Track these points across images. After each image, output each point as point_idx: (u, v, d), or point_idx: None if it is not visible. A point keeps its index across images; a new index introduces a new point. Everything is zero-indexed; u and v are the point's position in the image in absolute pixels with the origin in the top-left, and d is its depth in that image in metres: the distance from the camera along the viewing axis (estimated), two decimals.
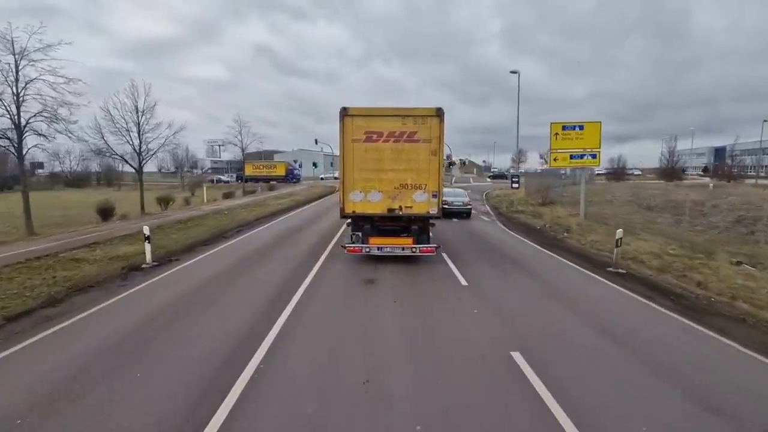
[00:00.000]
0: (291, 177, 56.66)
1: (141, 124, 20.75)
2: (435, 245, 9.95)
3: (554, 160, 16.36)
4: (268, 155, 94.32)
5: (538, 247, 12.62)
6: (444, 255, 10.82)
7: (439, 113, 9.19)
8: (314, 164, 49.96)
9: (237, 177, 62.93)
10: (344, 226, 16.52)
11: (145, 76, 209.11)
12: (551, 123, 16.13)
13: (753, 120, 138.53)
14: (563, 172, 71.06)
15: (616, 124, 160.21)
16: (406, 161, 9.29)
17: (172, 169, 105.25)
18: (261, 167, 58.90)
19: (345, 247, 9.92)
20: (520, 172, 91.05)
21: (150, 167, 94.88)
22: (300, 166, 53.54)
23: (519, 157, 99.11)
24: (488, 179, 65.46)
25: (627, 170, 66.63)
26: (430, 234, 10.45)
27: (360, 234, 10.07)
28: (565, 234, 14.69)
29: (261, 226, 17.61)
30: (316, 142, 57.86)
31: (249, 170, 59.65)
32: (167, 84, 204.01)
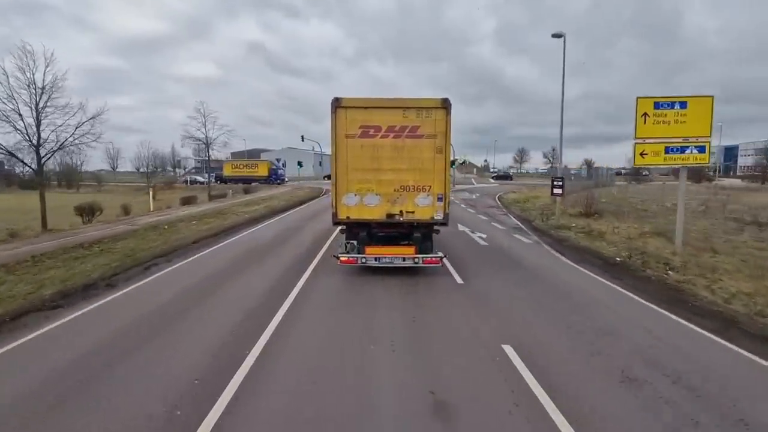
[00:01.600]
0: (275, 178, 50.73)
1: (39, 105, 14.76)
2: (440, 255, 8.62)
3: (641, 155, 10.69)
4: (255, 154, 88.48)
5: (667, 312, 6.94)
6: (511, 353, 5.14)
7: (445, 104, 8.00)
8: (299, 163, 44.22)
9: (216, 178, 56.93)
10: (321, 253, 10.86)
11: (136, 73, 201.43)
12: (637, 98, 10.50)
13: (740, 120, 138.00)
14: (575, 171, 65.77)
15: (606, 125, 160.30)
16: (408, 160, 8.14)
17: (151, 169, 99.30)
18: (241, 167, 52.96)
19: (338, 258, 8.56)
20: (526, 171, 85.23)
21: (126, 166, 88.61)
22: (284, 165, 47.76)
23: (534, 156, 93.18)
24: (492, 180, 60.03)
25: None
26: (433, 243, 9.16)
27: (355, 242, 8.76)
28: (670, 272, 9.11)
29: (197, 253, 11.84)
30: (303, 139, 52.06)
31: (228, 170, 53.82)
32: (159, 82, 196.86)
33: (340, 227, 9.37)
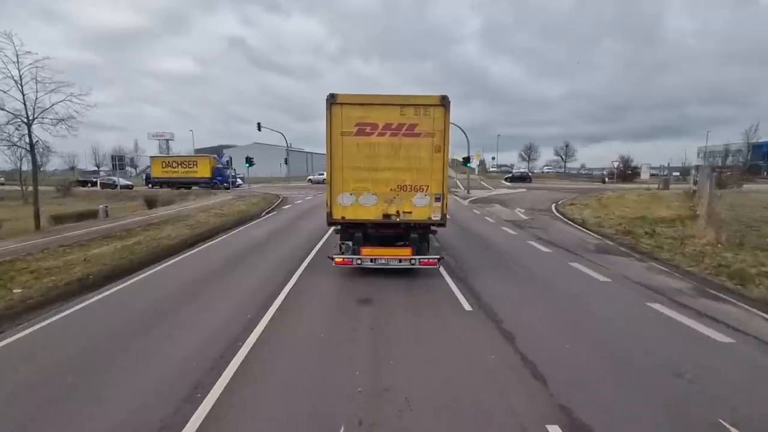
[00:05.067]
0: (221, 180, 36.95)
1: None
2: (437, 256, 8.25)
3: None
4: (217, 151, 74.39)
5: None
6: None
7: (443, 102, 7.62)
8: (248, 160, 30.76)
9: (146, 179, 42.85)
10: None
11: (110, 68, 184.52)
12: None
13: (717, 122, 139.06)
14: (605, 172, 53.40)
15: (589, 125, 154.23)
16: (405, 158, 7.78)
17: (90, 168, 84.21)
18: (174, 165, 39.00)
19: (332, 259, 8.21)
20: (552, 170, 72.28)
21: (56, 163, 73.03)
22: (228, 163, 34.24)
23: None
24: (505, 182, 47.38)
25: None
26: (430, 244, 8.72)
27: (350, 243, 8.43)
28: None
29: None
30: (259, 128, 38.49)
31: (157, 170, 39.85)
32: (134, 78, 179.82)
33: (334, 227, 9.00)
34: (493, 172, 75.32)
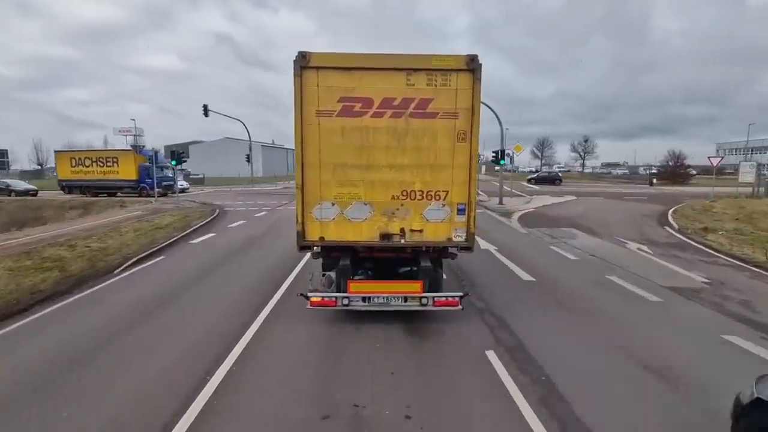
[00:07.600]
0: (150, 183, 26.47)
1: None
2: (459, 294, 5.49)
3: None
4: (183, 147, 63.65)
5: None
6: None
7: (472, 65, 4.92)
8: (175, 156, 20.38)
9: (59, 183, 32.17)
10: None
11: (91, 64, 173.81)
12: None
13: (702, 121, 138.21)
14: (652, 171, 43.94)
15: (578, 125, 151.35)
16: (414, 151, 5.15)
17: (33, 167, 73.39)
18: (88, 162, 28.27)
19: (307, 298, 5.50)
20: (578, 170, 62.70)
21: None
22: (152, 159, 23.99)
23: None
24: (529, 183, 37.68)
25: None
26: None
27: (332, 275, 5.82)
28: None
29: None
30: (206, 112, 28.20)
31: (64, 170, 29.28)
32: (117, 74, 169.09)
33: (310, 253, 6.07)
34: (536, 173, 66.06)
